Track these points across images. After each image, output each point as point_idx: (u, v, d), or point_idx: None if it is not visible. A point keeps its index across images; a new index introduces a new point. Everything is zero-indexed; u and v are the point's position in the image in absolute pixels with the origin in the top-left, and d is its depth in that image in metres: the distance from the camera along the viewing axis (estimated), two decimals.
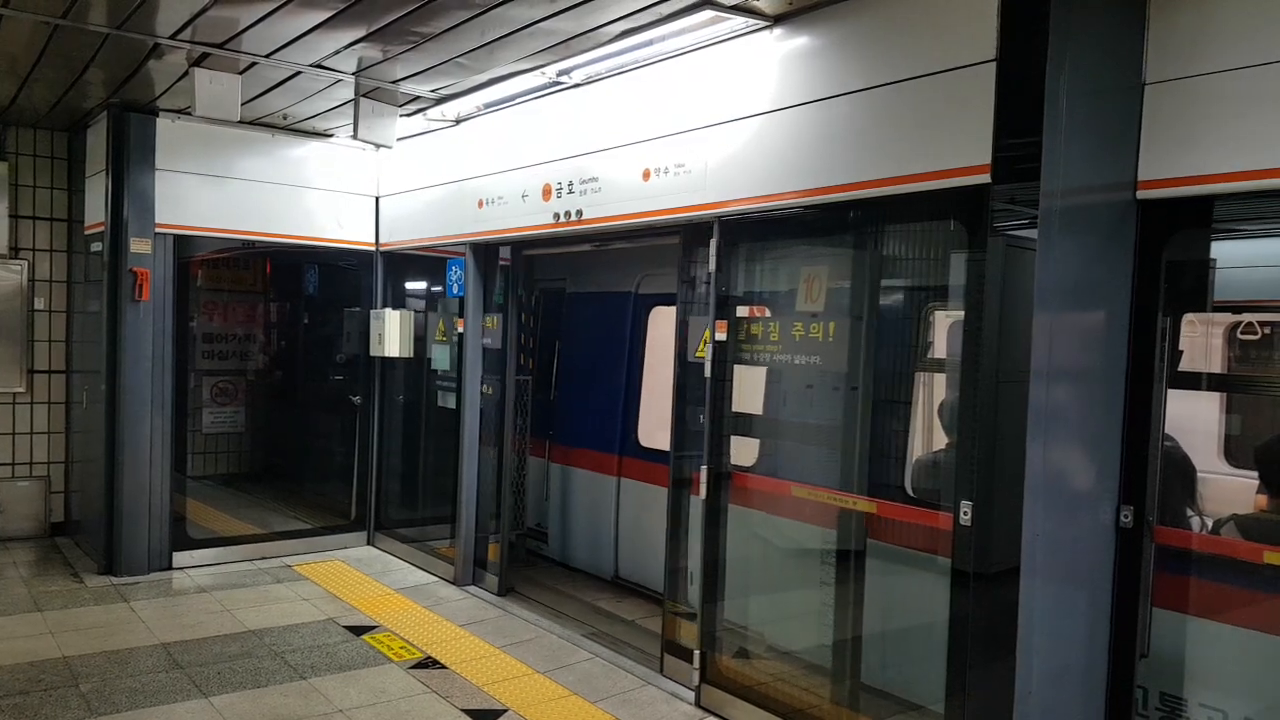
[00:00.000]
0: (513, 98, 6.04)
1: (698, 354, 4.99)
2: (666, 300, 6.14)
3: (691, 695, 4.83)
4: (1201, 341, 4.56)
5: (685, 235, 5.07)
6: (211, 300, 8.10)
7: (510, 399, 6.53)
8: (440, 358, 7.14)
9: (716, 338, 4.72)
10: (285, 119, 6.96)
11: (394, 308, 7.54)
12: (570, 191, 5.65)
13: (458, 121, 6.73)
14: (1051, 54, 3.21)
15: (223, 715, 4.47)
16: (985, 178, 3.48)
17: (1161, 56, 3.33)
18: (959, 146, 3.59)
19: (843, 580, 4.54)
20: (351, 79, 5.75)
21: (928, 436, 4.43)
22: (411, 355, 7.48)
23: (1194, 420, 5.21)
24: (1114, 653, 3.53)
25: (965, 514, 3.55)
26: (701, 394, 4.86)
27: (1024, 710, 3.27)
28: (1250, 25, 3.13)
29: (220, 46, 5.22)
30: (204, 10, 4.64)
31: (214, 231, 7.05)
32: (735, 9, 4.27)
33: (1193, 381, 4.00)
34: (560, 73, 5.39)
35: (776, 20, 4.38)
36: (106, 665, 5.03)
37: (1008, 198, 3.41)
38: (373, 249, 7.82)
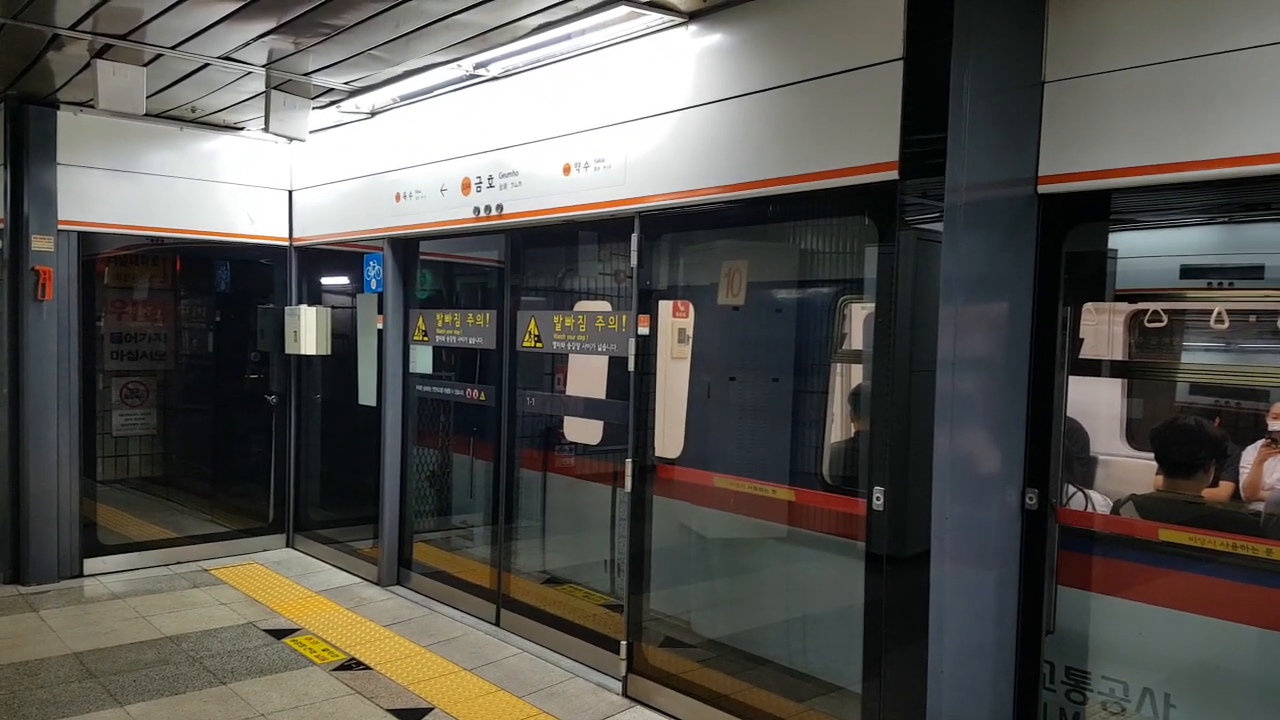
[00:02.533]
0: (429, 90, 5.97)
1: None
2: (590, 295, 6.14)
3: (619, 685, 4.87)
4: (1103, 330, 4.74)
5: (511, 237, 5.73)
6: (119, 299, 7.83)
7: (506, 407, 5.99)
8: (422, 359, 6.74)
9: (640, 332, 4.74)
10: (194, 112, 6.76)
11: (310, 304, 7.39)
12: (490, 185, 5.61)
13: (373, 114, 6.62)
14: (956, 53, 3.31)
15: None
16: (895, 174, 3.56)
17: (1060, 56, 3.46)
18: (870, 143, 3.66)
19: (765, 567, 4.61)
20: (262, 71, 5.61)
21: (844, 426, 4.53)
22: (330, 353, 7.34)
23: (1097, 405, 5.43)
24: (1022, 630, 3.66)
25: (878, 499, 3.64)
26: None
27: (937, 688, 3.37)
28: (1143, 27, 3.26)
29: (123, 38, 5.04)
30: (105, 0, 4.48)
31: (121, 228, 6.86)
32: (650, 5, 4.29)
33: (1093, 368, 4.16)
34: (477, 66, 5.35)
35: (691, 17, 4.41)
36: (15, 677, 4.85)
37: (915, 193, 3.50)
38: (286, 244, 7.65)
